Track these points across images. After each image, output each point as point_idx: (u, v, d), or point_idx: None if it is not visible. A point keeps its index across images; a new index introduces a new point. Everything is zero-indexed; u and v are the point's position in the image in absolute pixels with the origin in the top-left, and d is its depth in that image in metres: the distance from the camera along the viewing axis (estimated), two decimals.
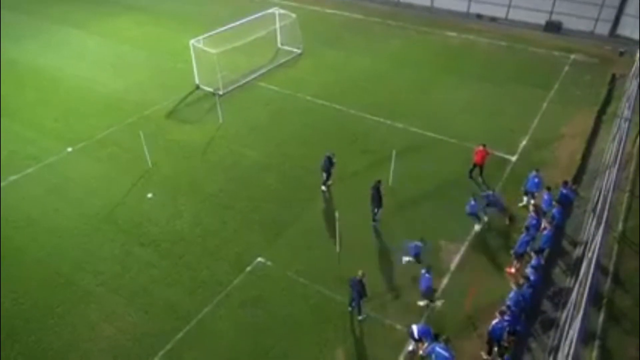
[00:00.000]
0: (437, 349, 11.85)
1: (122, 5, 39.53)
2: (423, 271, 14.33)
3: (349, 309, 14.45)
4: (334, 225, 16.44)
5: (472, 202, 17.04)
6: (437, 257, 16.15)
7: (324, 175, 18.90)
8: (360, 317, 14.26)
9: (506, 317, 12.65)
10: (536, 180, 17.42)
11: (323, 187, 19.16)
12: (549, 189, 17.15)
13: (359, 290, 13.68)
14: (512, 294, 13.43)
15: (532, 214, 16.23)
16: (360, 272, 13.78)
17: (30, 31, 34.94)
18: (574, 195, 17.74)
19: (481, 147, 19.15)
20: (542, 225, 15.56)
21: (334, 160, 18.79)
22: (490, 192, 17.90)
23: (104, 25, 35.97)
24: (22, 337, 13.91)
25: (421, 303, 14.59)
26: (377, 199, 17.16)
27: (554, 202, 16.66)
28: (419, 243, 15.38)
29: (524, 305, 13.40)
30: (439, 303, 14.65)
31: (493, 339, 12.81)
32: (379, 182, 17.23)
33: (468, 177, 19.60)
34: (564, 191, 17.06)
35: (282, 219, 17.93)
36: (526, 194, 17.97)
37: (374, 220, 17.58)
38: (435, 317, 14.18)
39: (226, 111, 24.32)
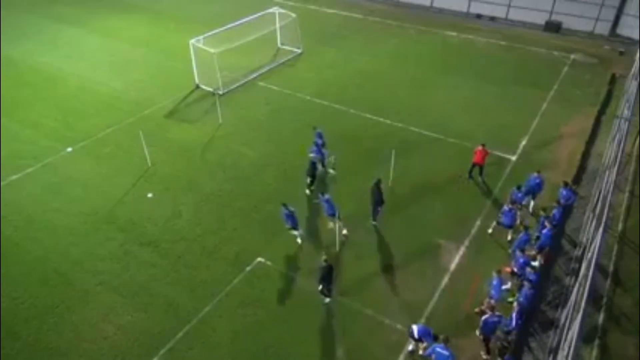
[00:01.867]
0: (437, 349, 11.87)
1: (122, 5, 39.50)
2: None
3: (327, 300, 14.68)
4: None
5: None
6: (436, 257, 16.15)
7: (308, 179, 18.92)
8: (327, 301, 14.63)
9: (497, 312, 12.70)
10: (537, 181, 17.36)
11: (307, 191, 19.13)
12: (518, 187, 17.05)
13: (326, 274, 14.16)
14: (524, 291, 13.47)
15: (507, 206, 16.19)
16: (323, 257, 14.43)
17: (30, 30, 34.90)
18: (574, 197, 17.63)
19: (480, 147, 19.15)
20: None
21: (318, 165, 18.95)
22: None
23: (103, 25, 35.93)
24: (22, 336, 13.89)
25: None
26: (377, 197, 17.15)
27: (554, 204, 16.67)
28: None
29: (525, 306, 13.39)
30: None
31: (487, 334, 12.84)
32: (379, 180, 17.22)
33: (468, 177, 19.60)
34: (564, 192, 17.03)
35: (281, 218, 17.90)
36: (526, 194, 17.91)
37: (374, 219, 17.58)
38: (435, 317, 14.19)
39: (226, 111, 24.32)
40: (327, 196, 16.59)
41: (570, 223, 17.73)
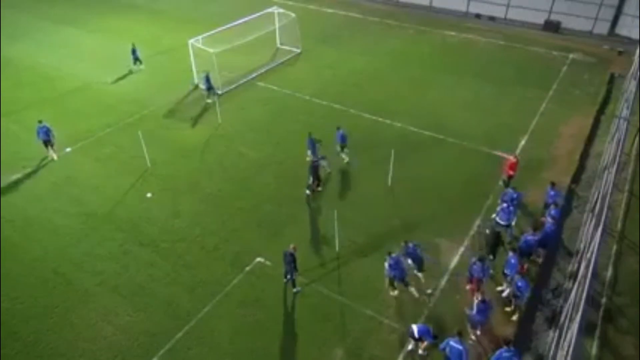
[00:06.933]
0: (451, 342, 11.76)
1: (121, 5, 39.54)
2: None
3: (284, 280, 15.18)
4: (332, 224, 16.44)
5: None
6: (436, 257, 16.17)
7: (310, 179, 18.87)
8: (294, 290, 14.96)
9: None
10: (552, 193, 16.95)
11: (307, 192, 19.05)
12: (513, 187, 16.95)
13: (290, 263, 14.49)
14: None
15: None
16: (291, 246, 14.63)
17: (29, 30, 34.92)
18: (559, 194, 17.32)
19: (514, 159, 18.47)
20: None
21: (317, 164, 18.89)
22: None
23: (102, 25, 35.96)
24: (22, 336, 13.89)
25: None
26: (494, 245, 15.53)
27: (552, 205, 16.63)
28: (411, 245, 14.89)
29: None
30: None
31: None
32: (496, 225, 15.66)
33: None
34: (552, 192, 16.89)
35: (281, 219, 17.94)
36: (546, 206, 17.55)
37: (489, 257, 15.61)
38: (435, 317, 14.20)
39: (225, 111, 24.32)
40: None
41: (569, 222, 17.74)
